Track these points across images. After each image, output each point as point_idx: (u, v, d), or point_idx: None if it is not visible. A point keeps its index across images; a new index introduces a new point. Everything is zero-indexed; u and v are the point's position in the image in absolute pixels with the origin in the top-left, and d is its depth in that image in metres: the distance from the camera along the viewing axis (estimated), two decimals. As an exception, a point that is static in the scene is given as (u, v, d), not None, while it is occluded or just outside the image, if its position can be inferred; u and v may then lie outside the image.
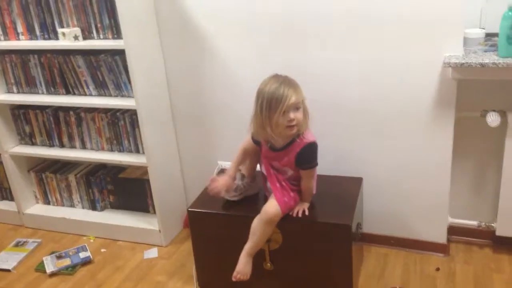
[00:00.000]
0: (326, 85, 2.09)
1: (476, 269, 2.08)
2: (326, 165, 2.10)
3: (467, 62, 1.77)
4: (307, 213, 1.87)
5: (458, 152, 2.08)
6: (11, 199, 2.75)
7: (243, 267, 1.80)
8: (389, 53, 1.96)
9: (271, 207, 1.79)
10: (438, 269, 2.11)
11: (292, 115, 1.68)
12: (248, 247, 1.81)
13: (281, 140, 1.80)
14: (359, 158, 2.18)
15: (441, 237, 2.19)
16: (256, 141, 1.89)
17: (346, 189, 2.04)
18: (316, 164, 1.84)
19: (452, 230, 2.23)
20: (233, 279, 1.81)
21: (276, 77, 1.73)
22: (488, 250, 2.20)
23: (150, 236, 2.44)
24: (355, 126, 2.14)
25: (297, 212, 1.87)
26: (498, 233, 2.11)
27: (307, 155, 1.80)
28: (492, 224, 2.13)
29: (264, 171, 1.91)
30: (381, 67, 2.00)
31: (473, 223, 2.17)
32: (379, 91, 2.04)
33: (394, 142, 2.10)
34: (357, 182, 2.11)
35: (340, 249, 1.84)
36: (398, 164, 2.13)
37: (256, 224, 1.80)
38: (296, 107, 1.70)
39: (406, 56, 1.94)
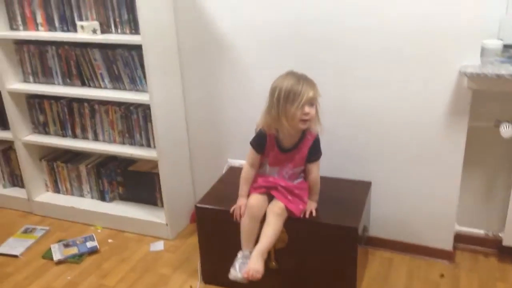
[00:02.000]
0: (337, 88, 2.10)
1: (481, 277, 2.09)
2: (336, 167, 2.11)
3: (483, 73, 1.77)
4: (314, 214, 1.89)
5: (469, 160, 2.07)
6: (22, 186, 2.78)
7: (253, 264, 1.78)
8: (405, 60, 1.97)
9: (276, 204, 1.85)
10: (442, 276, 2.11)
11: (307, 109, 1.76)
12: (258, 246, 1.82)
13: (290, 138, 1.86)
14: (369, 161, 2.18)
15: (447, 244, 2.19)
16: (260, 149, 1.90)
17: (355, 192, 2.06)
18: (321, 154, 1.92)
19: (459, 238, 2.23)
20: (245, 275, 1.78)
21: (293, 73, 1.81)
22: (494, 259, 2.20)
23: (157, 229, 2.47)
24: (366, 130, 2.14)
25: (305, 214, 1.89)
26: (505, 243, 2.11)
27: (318, 147, 1.90)
28: (499, 234, 2.12)
29: (265, 184, 1.90)
30: (395, 73, 2.01)
31: (480, 231, 2.17)
32: (392, 96, 2.05)
33: (406, 147, 2.11)
34: (365, 186, 2.12)
35: (346, 251, 1.86)
36: (409, 169, 2.14)
37: (265, 223, 1.83)
38: (311, 103, 1.77)
39: (423, 64, 1.95)
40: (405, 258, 2.24)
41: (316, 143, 1.88)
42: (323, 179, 1.95)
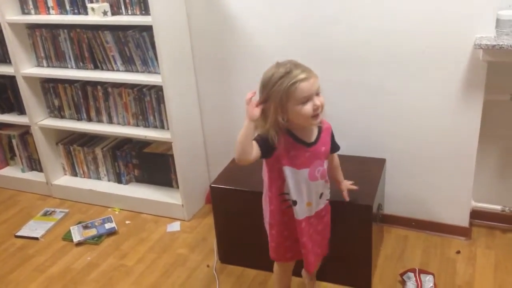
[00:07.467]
0: (351, 64, 2.07)
1: (498, 254, 2.07)
2: (350, 145, 2.09)
3: (498, 44, 1.73)
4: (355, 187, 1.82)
5: (485, 135, 2.04)
6: (40, 170, 2.83)
7: None
8: (417, 31, 1.93)
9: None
10: (458, 252, 2.10)
11: (317, 101, 1.45)
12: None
13: (309, 131, 1.55)
14: (383, 138, 2.17)
15: (463, 221, 2.18)
16: (268, 155, 1.51)
17: (369, 170, 2.04)
18: None
19: (475, 214, 2.21)
20: None
21: (283, 64, 1.46)
22: (511, 235, 2.18)
23: (173, 210, 2.50)
24: (380, 107, 2.12)
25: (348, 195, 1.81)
26: (522, 218, 2.09)
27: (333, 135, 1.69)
28: (516, 210, 2.11)
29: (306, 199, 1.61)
30: (408, 46, 1.97)
31: (496, 207, 2.15)
32: (406, 71, 2.01)
33: (419, 123, 2.08)
34: (380, 163, 2.11)
35: (361, 229, 1.86)
36: (423, 146, 2.12)
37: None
38: (317, 92, 1.46)
39: (436, 35, 1.91)
40: (420, 236, 2.24)
41: (332, 131, 1.64)
42: (337, 157, 1.94)
